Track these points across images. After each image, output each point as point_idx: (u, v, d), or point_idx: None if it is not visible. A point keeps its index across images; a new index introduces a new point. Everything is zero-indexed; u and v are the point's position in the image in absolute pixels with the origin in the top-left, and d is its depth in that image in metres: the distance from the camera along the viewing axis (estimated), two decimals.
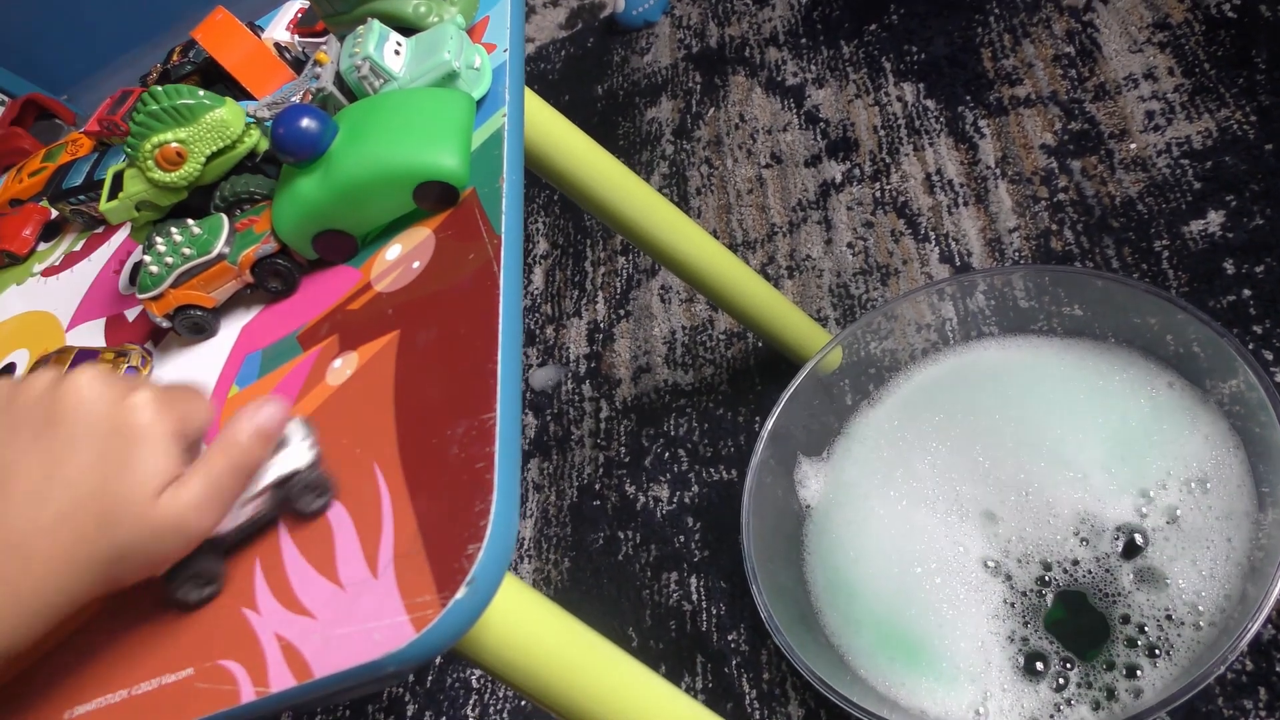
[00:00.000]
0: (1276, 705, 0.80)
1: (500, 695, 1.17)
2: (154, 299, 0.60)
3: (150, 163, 0.60)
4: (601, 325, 1.46)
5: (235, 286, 0.61)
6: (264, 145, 0.64)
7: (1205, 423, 0.86)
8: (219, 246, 0.59)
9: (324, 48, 0.64)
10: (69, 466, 0.40)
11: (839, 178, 1.39)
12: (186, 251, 0.59)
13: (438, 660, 1.24)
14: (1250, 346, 0.96)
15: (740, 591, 1.09)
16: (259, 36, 0.76)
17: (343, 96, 0.62)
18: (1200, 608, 0.78)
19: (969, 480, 0.94)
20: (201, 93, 0.59)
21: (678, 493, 1.22)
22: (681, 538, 1.18)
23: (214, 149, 0.60)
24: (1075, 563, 0.85)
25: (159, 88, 0.59)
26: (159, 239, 0.61)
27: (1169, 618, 0.79)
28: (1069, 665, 0.81)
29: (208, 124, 0.59)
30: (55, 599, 0.40)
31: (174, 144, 0.59)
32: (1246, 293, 0.99)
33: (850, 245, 1.31)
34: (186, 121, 0.59)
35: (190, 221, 0.61)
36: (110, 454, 0.40)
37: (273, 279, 0.60)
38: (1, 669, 0.45)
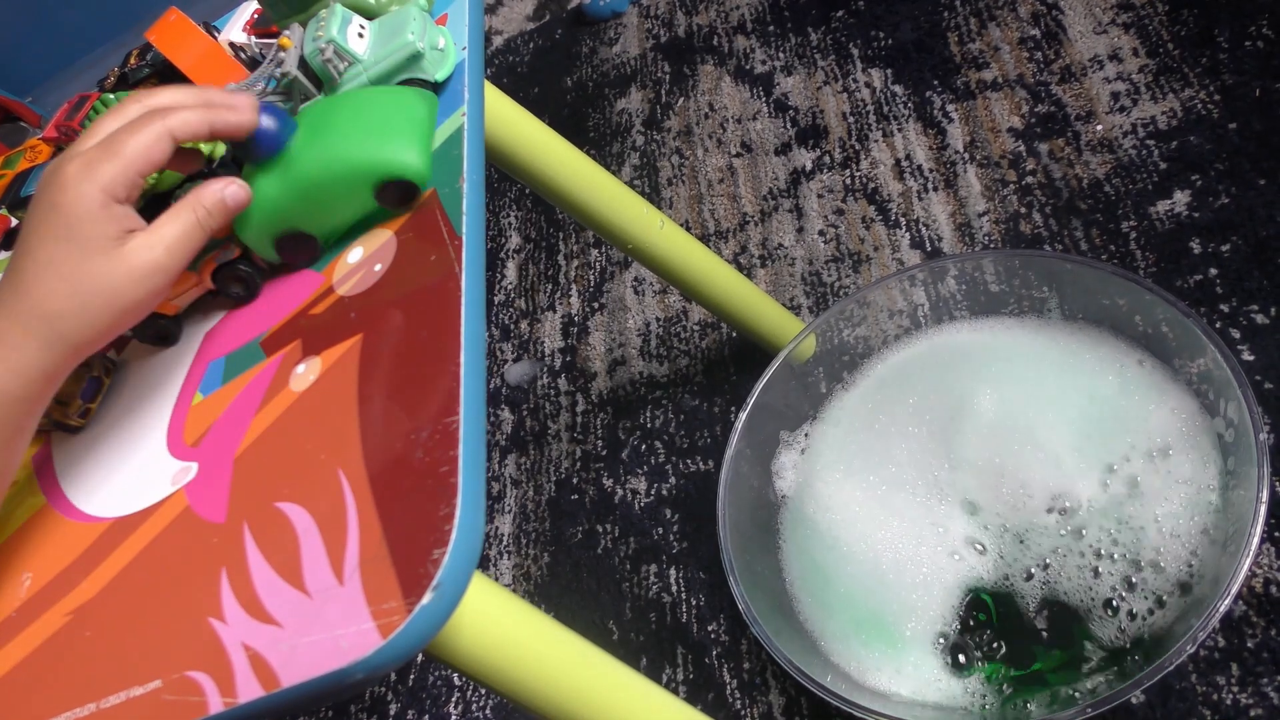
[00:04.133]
0: (1249, 680, 0.81)
1: (483, 692, 1.17)
2: None
3: None
4: (575, 319, 1.46)
5: (196, 293, 0.60)
6: (220, 151, 0.63)
7: (1173, 397, 0.87)
8: None
9: (287, 34, 0.63)
10: (33, 240, 0.47)
11: (809, 165, 1.39)
12: None
13: (419, 658, 1.24)
14: (1217, 325, 0.97)
15: (719, 582, 1.10)
16: (215, 37, 0.75)
17: (308, 81, 0.62)
18: (1171, 584, 0.79)
19: (943, 461, 0.94)
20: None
21: (655, 485, 1.22)
22: (660, 530, 1.18)
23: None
24: (1048, 537, 0.85)
25: (110, 95, 0.58)
26: None
27: (1138, 593, 0.79)
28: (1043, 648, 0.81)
29: None
30: (24, 341, 0.47)
31: None
32: (1213, 271, 1.00)
33: (821, 233, 1.31)
34: None
35: None
36: (57, 229, 0.47)
37: (234, 285, 0.60)
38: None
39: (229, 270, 0.59)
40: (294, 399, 0.52)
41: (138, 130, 0.49)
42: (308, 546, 0.45)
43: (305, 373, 0.53)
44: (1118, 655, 0.78)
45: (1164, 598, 0.78)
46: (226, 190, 0.52)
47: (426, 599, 0.40)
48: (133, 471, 0.56)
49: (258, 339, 0.58)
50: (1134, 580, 0.80)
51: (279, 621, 0.43)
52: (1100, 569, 0.82)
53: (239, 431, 0.53)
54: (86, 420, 0.60)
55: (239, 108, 0.53)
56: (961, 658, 0.84)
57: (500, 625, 0.52)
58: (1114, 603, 0.80)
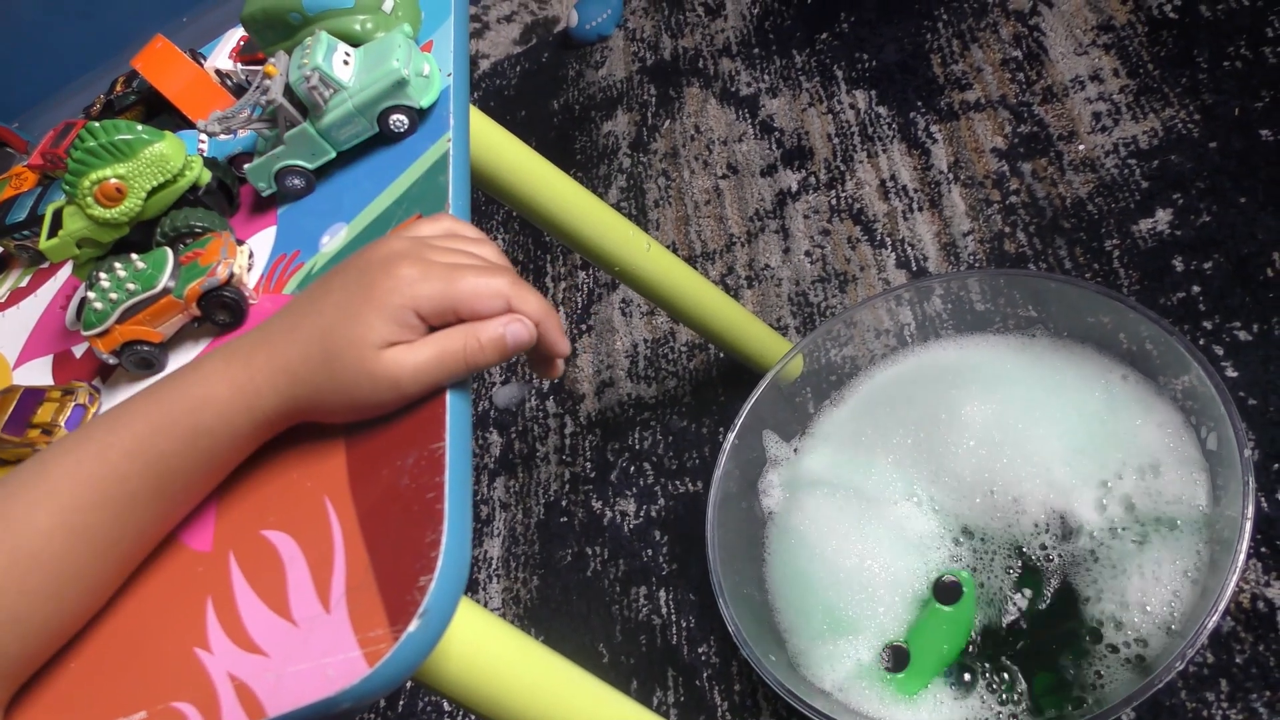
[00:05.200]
0: (1238, 696, 0.81)
1: (472, 718, 1.17)
2: (99, 335, 0.59)
3: (90, 199, 0.59)
4: None
5: (182, 320, 0.60)
6: (205, 178, 0.63)
7: (1159, 412, 0.87)
8: (164, 280, 0.59)
9: (273, 61, 0.63)
10: (326, 300, 0.47)
11: (795, 186, 1.40)
12: (131, 287, 0.58)
13: (408, 684, 1.23)
14: (1201, 342, 0.97)
15: (709, 603, 1.09)
16: (202, 64, 0.75)
17: (293, 108, 0.62)
18: (1158, 601, 0.79)
19: (929, 475, 0.95)
20: (140, 127, 0.59)
21: (644, 507, 1.22)
22: (649, 552, 1.18)
23: (154, 184, 0.60)
24: (1036, 555, 0.85)
25: (96, 124, 0.58)
26: (103, 275, 0.60)
27: (1128, 611, 0.79)
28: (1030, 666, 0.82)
29: (147, 159, 0.59)
30: (266, 390, 0.46)
31: (113, 180, 0.58)
32: (1196, 289, 1.01)
33: (808, 253, 1.31)
34: (125, 157, 0.58)
35: (134, 256, 0.61)
36: (350, 304, 0.46)
37: (220, 311, 0.60)
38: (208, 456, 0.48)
39: (215, 297, 0.59)
40: None
41: (485, 278, 0.48)
42: (294, 575, 0.45)
43: None
44: (1104, 676, 0.78)
45: (1149, 640, 0.78)
46: (509, 328, 0.48)
47: (413, 626, 0.40)
48: None
49: None
50: (1121, 619, 0.80)
51: (265, 651, 0.43)
52: (1087, 585, 0.82)
53: None
54: None
55: (564, 346, 0.51)
56: (966, 676, 0.84)
57: (488, 651, 0.52)
58: (1101, 619, 0.80)
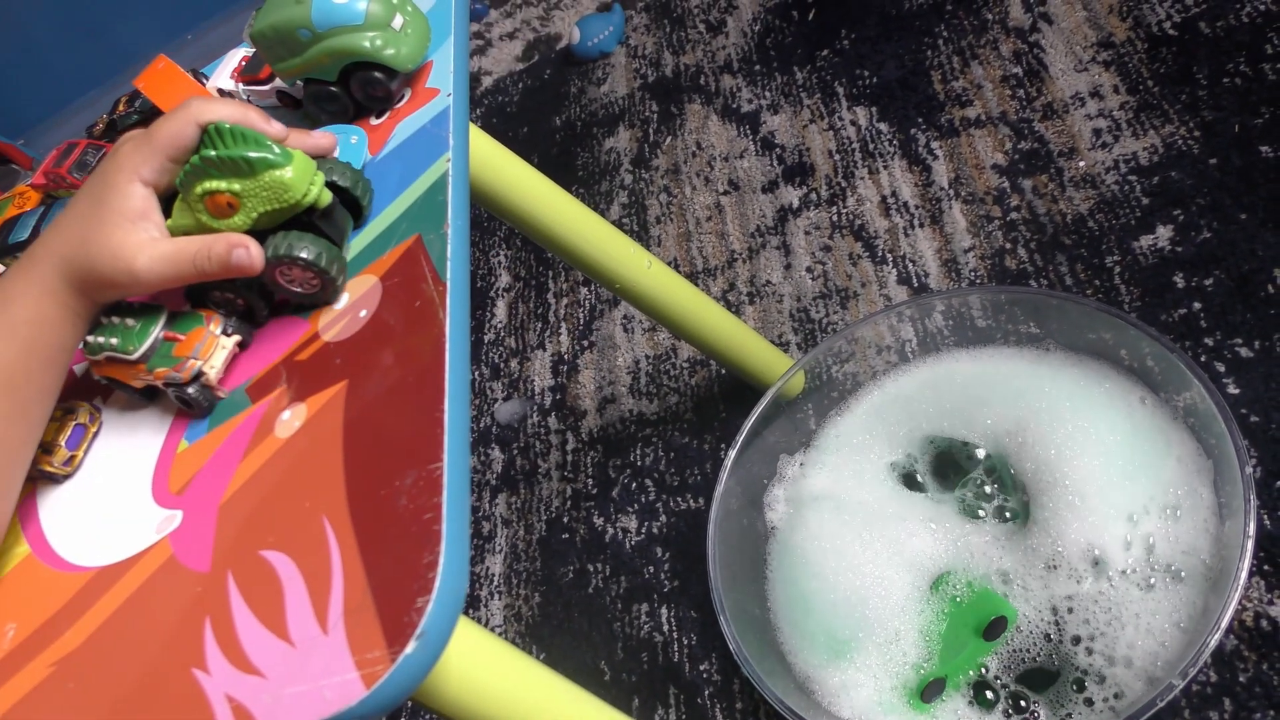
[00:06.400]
0: (1241, 715, 0.80)
1: None
2: (92, 361, 0.59)
3: (200, 206, 0.56)
4: (565, 357, 1.46)
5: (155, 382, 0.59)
6: (325, 199, 0.58)
7: (1177, 444, 0.85)
8: (141, 350, 0.57)
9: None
10: (76, 205, 0.57)
11: (796, 203, 1.40)
12: (114, 341, 0.57)
13: (407, 705, 1.23)
14: (1202, 359, 0.97)
15: (711, 620, 1.09)
16: (204, 84, 0.76)
17: None
18: (1143, 652, 0.78)
19: (941, 493, 0.94)
20: (277, 147, 0.55)
21: (646, 523, 1.21)
22: (651, 568, 1.17)
23: (268, 209, 0.56)
24: (1044, 582, 0.85)
25: (229, 128, 0.55)
26: (103, 316, 0.59)
27: (1114, 667, 0.79)
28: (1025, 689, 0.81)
29: (267, 182, 0.55)
30: (49, 272, 0.55)
31: (227, 194, 0.56)
32: (1197, 305, 1.01)
33: (809, 270, 1.32)
34: (245, 175, 0.55)
35: (132, 311, 0.59)
36: (93, 197, 0.56)
37: (181, 402, 0.58)
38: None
39: (175, 391, 0.58)
40: (279, 446, 0.52)
41: (171, 118, 0.56)
42: (292, 595, 0.45)
43: (290, 419, 0.53)
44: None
45: (1124, 691, 0.77)
46: (235, 250, 0.56)
47: (410, 648, 0.40)
48: (117, 520, 0.56)
49: (244, 385, 0.58)
50: (1105, 674, 0.79)
51: (263, 672, 0.43)
52: (1091, 610, 0.82)
53: (224, 479, 0.53)
54: (72, 469, 0.60)
55: (272, 124, 0.58)
56: (989, 694, 0.83)
57: (487, 671, 0.52)
58: (1102, 637, 0.80)
